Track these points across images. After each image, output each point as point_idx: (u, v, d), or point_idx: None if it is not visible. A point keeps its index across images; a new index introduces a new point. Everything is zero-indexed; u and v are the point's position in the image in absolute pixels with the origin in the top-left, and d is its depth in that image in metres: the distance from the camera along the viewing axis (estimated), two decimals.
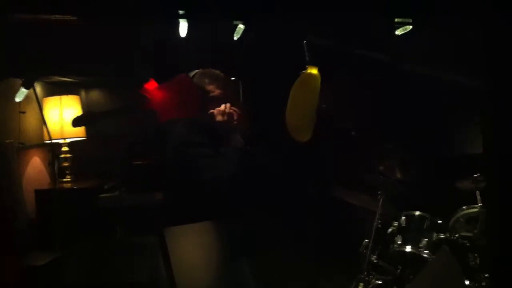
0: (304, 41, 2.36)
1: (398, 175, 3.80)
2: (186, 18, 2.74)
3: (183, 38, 2.90)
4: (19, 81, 3.86)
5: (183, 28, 2.88)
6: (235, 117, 2.60)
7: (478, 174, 3.72)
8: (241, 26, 2.95)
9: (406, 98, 4.55)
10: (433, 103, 4.52)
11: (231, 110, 2.60)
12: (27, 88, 3.40)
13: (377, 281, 3.61)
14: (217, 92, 2.65)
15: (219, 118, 2.58)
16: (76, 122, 2.65)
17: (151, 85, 2.42)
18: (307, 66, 2.37)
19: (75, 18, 2.35)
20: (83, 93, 4.77)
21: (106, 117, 3.29)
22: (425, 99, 4.48)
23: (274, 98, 3.59)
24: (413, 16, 2.91)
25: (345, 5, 2.74)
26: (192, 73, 2.70)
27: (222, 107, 2.59)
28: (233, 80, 2.71)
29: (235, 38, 3.02)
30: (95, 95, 4.85)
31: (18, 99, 3.57)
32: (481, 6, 1.86)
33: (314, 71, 2.36)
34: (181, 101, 2.47)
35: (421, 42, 3.34)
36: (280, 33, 3.41)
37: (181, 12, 2.63)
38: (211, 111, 2.59)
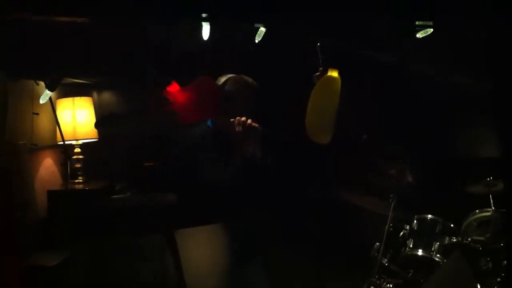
0: (318, 44, 2.36)
1: (409, 179, 3.79)
2: (208, 21, 2.76)
3: (199, 41, 2.92)
4: (33, 82, 3.90)
5: (205, 30, 2.90)
6: (253, 132, 2.59)
7: (491, 178, 3.71)
8: (262, 29, 2.97)
9: (415, 101, 4.53)
10: (442, 106, 4.50)
11: (253, 124, 2.59)
12: (51, 90, 3.43)
13: (388, 285, 3.60)
14: (245, 101, 2.66)
15: (238, 128, 2.57)
16: (99, 124, 2.66)
17: (173, 88, 2.45)
18: (320, 68, 2.37)
19: (90, 19, 2.38)
20: (95, 94, 4.79)
21: (129, 118, 3.30)
22: (434, 101, 4.47)
23: (281, 100, 3.60)
24: (417, 18, 2.92)
25: (356, 7, 2.75)
26: (223, 78, 2.71)
27: (244, 118, 2.58)
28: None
29: (256, 41, 3.03)
30: (108, 96, 4.86)
31: (42, 101, 3.60)
32: (482, 6, 1.86)
33: (334, 73, 2.36)
34: (202, 103, 2.49)
35: (428, 44, 3.34)
36: (292, 36, 3.42)
37: (204, 15, 2.65)
38: (232, 120, 2.58)
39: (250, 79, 2.73)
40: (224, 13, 2.65)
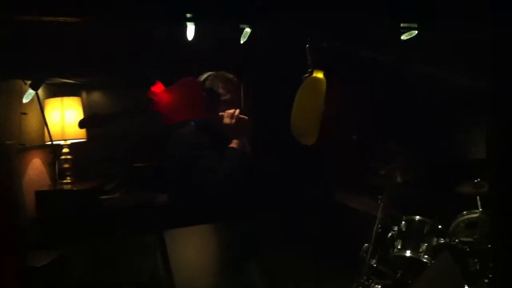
0: (307, 45, 2.36)
1: (400, 178, 3.80)
2: (193, 21, 2.76)
3: (187, 40, 2.91)
4: (21, 82, 3.88)
5: (190, 31, 2.89)
6: (243, 123, 2.63)
7: (479, 179, 3.73)
8: (247, 30, 2.96)
9: (409, 100, 4.55)
10: (436, 105, 4.52)
11: (241, 116, 2.63)
12: (35, 89, 3.41)
13: (376, 286, 3.60)
14: (228, 96, 2.68)
15: (227, 120, 2.62)
16: (82, 124, 2.65)
17: (158, 88, 2.44)
18: (309, 70, 2.37)
19: (78, 19, 2.37)
20: (84, 94, 4.77)
21: (112, 119, 3.29)
22: (429, 101, 4.49)
23: (274, 99, 3.60)
24: (417, 18, 2.92)
25: (349, 6, 2.75)
26: (204, 75, 2.73)
27: (232, 110, 2.63)
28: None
29: (242, 42, 3.03)
30: (97, 96, 4.85)
31: (25, 100, 3.58)
32: (483, 6, 1.86)
33: (319, 75, 2.36)
34: (187, 103, 2.49)
35: (425, 43, 3.34)
36: (283, 35, 3.42)
37: (188, 15, 2.65)
38: (221, 113, 2.63)
39: (230, 75, 2.75)
40: (210, 13, 2.65)
